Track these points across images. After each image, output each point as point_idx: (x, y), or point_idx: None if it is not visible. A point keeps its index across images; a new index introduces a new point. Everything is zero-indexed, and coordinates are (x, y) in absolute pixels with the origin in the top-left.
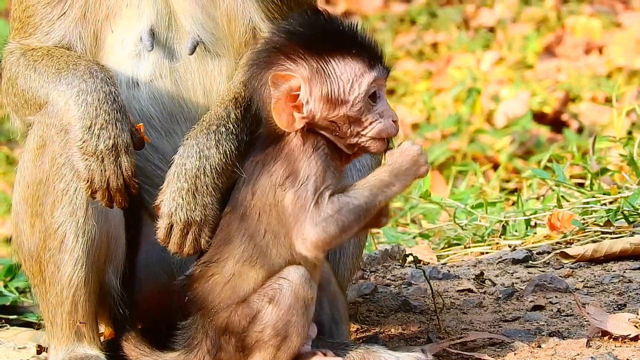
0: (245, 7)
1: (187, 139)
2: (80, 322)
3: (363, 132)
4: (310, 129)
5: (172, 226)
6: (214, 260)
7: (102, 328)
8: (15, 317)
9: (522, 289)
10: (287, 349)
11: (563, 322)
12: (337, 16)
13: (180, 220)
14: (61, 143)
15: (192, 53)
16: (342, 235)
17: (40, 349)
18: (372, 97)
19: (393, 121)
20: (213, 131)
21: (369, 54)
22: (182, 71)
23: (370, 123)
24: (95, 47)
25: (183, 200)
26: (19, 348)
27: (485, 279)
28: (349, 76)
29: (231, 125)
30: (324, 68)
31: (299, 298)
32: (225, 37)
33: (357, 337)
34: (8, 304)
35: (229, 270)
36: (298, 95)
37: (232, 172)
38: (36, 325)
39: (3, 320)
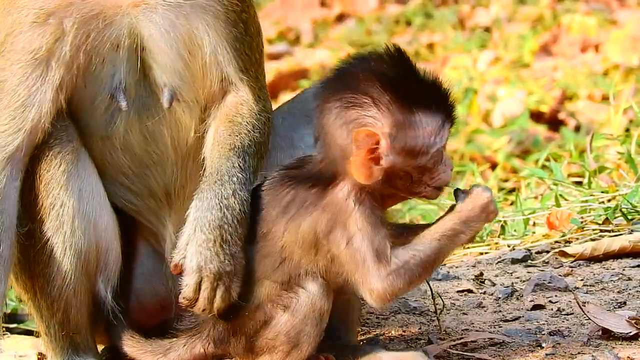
0: (218, 57)
1: (201, 192)
2: (72, 333)
3: (430, 182)
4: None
5: (201, 281)
6: None
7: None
8: (15, 325)
9: (521, 288)
10: (296, 356)
11: (563, 321)
12: (411, 60)
13: (211, 272)
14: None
15: (170, 105)
16: (410, 286)
17: (42, 357)
18: (444, 146)
19: (450, 170)
20: (227, 181)
21: (448, 104)
22: (154, 122)
23: (439, 173)
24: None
25: (211, 252)
26: (20, 356)
27: (485, 279)
28: (433, 129)
29: (239, 174)
30: (411, 119)
31: (316, 309)
32: (199, 86)
33: (358, 339)
34: (8, 312)
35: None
36: (377, 148)
37: (248, 219)
38: (36, 333)
39: (4, 329)
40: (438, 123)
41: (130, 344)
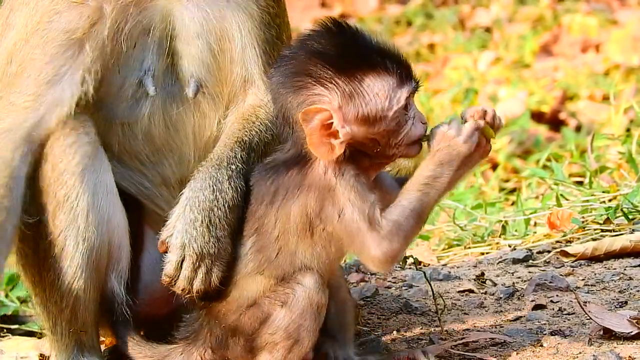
0: (246, 56)
1: (197, 173)
2: (80, 331)
3: (399, 142)
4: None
5: (183, 260)
6: None
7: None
8: (17, 326)
9: (522, 288)
10: (298, 352)
11: (564, 321)
12: (358, 28)
13: (194, 252)
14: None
15: (195, 95)
16: (407, 242)
17: (43, 358)
18: (405, 106)
19: (422, 123)
20: (224, 167)
21: (400, 65)
22: (178, 112)
23: (407, 131)
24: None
25: (197, 232)
26: (22, 357)
27: (486, 279)
28: (385, 93)
29: (239, 164)
30: (358, 88)
31: (313, 303)
32: (224, 81)
33: (359, 340)
34: (10, 313)
35: (237, 271)
36: (332, 124)
37: (240, 209)
38: (38, 335)
39: (5, 330)
40: (390, 85)
41: (131, 345)
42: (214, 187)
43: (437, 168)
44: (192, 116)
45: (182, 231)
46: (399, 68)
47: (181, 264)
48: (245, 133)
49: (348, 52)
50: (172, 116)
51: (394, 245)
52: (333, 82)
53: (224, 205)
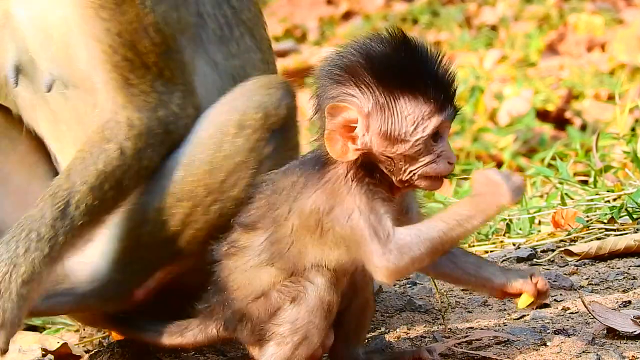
0: (90, 54)
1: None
2: None
3: (415, 170)
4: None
5: None
6: (238, 244)
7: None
8: None
9: None
10: (307, 348)
11: (568, 320)
12: (424, 46)
13: None
14: None
15: (49, 90)
16: (413, 265)
17: (45, 352)
18: (434, 137)
19: (449, 163)
20: (23, 238)
21: (442, 94)
22: (49, 106)
23: (425, 163)
24: None
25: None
26: (24, 351)
27: None
28: (414, 118)
29: (44, 230)
30: (391, 105)
31: (324, 302)
32: (76, 79)
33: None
34: None
35: (248, 260)
36: (354, 128)
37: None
38: (40, 329)
39: None
40: (421, 112)
41: (148, 328)
42: (9, 260)
43: (473, 210)
44: (52, 111)
45: None
46: (439, 97)
47: None
48: (79, 173)
49: (397, 66)
50: (33, 111)
51: (398, 262)
52: (371, 89)
53: (16, 279)
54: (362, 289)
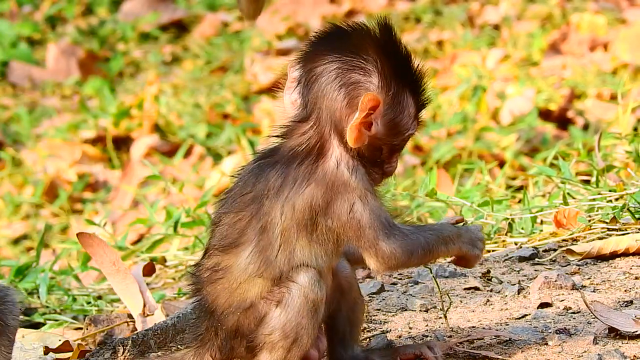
0: None
1: None
2: None
3: (393, 161)
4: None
5: None
6: (220, 267)
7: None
8: (22, 318)
9: (528, 286)
10: (298, 350)
11: (570, 320)
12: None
13: None
14: None
15: None
16: (409, 259)
17: (47, 350)
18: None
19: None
20: None
21: (427, 102)
22: None
23: (394, 161)
24: None
25: None
26: (26, 349)
27: (492, 277)
28: (411, 112)
29: None
30: (402, 97)
31: (309, 300)
32: None
33: (365, 336)
34: None
35: (236, 278)
36: (372, 113)
37: None
38: (42, 327)
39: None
40: (416, 108)
41: None
42: None
43: (457, 240)
44: None
45: None
46: (427, 103)
47: None
48: None
49: (409, 60)
50: None
51: (399, 249)
52: (391, 80)
53: None
54: (348, 290)
